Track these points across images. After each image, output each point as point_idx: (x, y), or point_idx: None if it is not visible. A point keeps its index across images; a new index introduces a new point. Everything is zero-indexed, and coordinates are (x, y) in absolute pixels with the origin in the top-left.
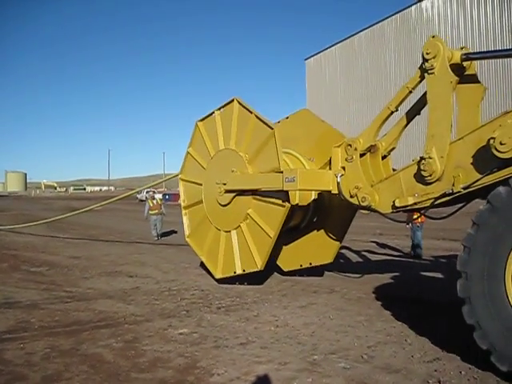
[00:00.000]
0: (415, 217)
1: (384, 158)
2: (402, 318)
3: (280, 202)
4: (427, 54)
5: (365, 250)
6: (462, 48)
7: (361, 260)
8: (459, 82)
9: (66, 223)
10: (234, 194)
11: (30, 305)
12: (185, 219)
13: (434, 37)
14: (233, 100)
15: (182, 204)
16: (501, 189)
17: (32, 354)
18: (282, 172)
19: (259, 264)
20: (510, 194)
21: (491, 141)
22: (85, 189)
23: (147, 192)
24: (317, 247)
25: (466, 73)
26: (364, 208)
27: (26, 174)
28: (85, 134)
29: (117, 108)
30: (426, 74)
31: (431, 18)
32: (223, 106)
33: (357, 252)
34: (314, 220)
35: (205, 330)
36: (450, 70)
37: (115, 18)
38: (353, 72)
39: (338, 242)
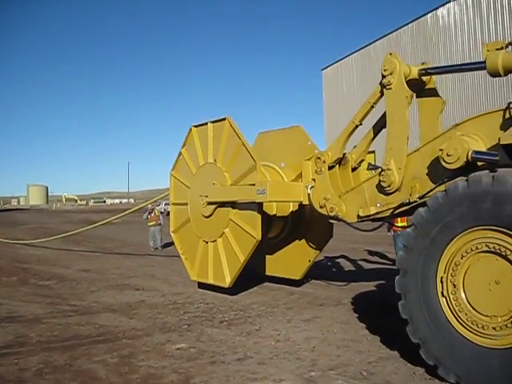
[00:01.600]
0: (399, 225)
1: (354, 169)
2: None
3: (250, 233)
4: (384, 70)
5: (362, 258)
6: (422, 63)
7: (372, 267)
8: (420, 96)
9: (82, 236)
10: (215, 206)
11: (32, 319)
12: (172, 217)
13: (391, 54)
14: (225, 119)
15: (171, 200)
16: (438, 193)
17: (25, 370)
18: (254, 185)
19: (227, 282)
20: (445, 199)
21: (440, 152)
22: (105, 201)
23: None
24: (290, 261)
25: (427, 87)
26: (332, 218)
27: (47, 188)
28: (104, 148)
29: (136, 120)
30: (384, 90)
31: (447, 25)
32: (217, 121)
33: (366, 260)
34: (294, 231)
35: (203, 344)
36: (405, 85)
37: (127, 26)
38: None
39: (309, 260)
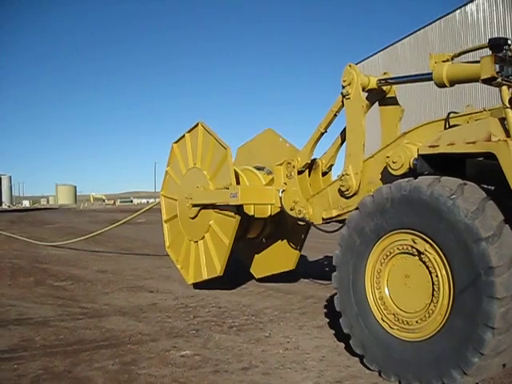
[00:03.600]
0: None
1: (325, 174)
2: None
3: (232, 214)
4: (344, 81)
5: None
6: (384, 73)
7: None
8: (382, 104)
9: (106, 236)
10: (199, 208)
11: (41, 322)
12: (165, 231)
13: (350, 66)
14: (197, 124)
15: (163, 217)
16: (366, 197)
17: (22, 377)
18: (227, 188)
19: (218, 269)
20: (372, 201)
21: (387, 159)
22: (132, 201)
23: None
24: (280, 256)
25: (388, 96)
26: (301, 220)
27: (75, 187)
28: (132, 148)
29: (162, 120)
30: (344, 100)
31: (476, 21)
32: (191, 129)
33: None
34: (276, 232)
35: (209, 352)
36: (362, 95)
37: (154, 24)
38: None
39: (297, 251)
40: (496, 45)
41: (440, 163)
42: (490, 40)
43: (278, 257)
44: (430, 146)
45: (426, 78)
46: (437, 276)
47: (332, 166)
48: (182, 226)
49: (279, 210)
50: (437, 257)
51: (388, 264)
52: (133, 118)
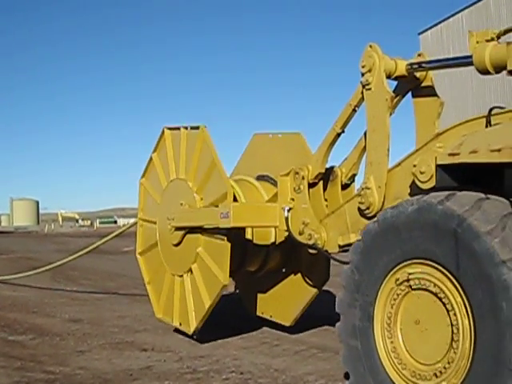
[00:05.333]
0: None
1: (346, 187)
2: None
3: (219, 276)
4: (362, 67)
5: None
6: (418, 55)
7: None
8: (415, 96)
9: (80, 271)
10: (183, 232)
11: None
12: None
13: (371, 46)
14: (198, 127)
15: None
16: (370, 223)
17: None
18: (217, 206)
19: (192, 328)
20: (376, 228)
21: (413, 169)
22: (116, 222)
23: None
24: (280, 301)
25: (423, 84)
26: (312, 247)
27: (37, 203)
28: (116, 153)
29: (153, 122)
30: (363, 90)
31: None
32: (191, 128)
33: None
34: (284, 264)
35: None
36: (386, 85)
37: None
38: None
39: (303, 303)
40: None
41: (468, 174)
42: None
43: (279, 301)
44: (449, 154)
45: (465, 62)
46: (455, 314)
47: (355, 175)
48: (164, 257)
49: (286, 234)
50: (453, 289)
51: (400, 305)
52: (115, 117)
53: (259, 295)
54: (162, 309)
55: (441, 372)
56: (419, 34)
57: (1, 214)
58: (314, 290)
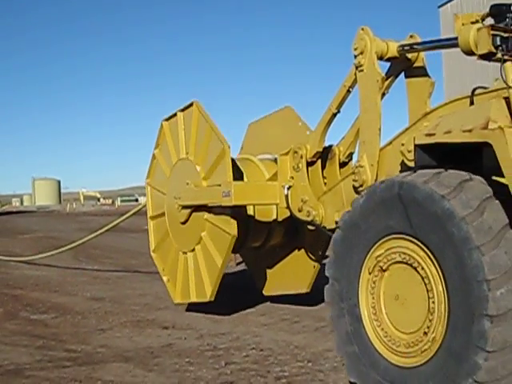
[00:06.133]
0: None
1: (344, 165)
2: None
3: (227, 229)
4: (355, 49)
5: None
6: (410, 36)
7: None
8: (408, 76)
9: (102, 249)
10: (189, 210)
11: (12, 371)
12: (150, 230)
13: (363, 29)
14: (192, 104)
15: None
16: (360, 196)
17: None
18: (219, 185)
19: (208, 294)
20: (365, 200)
21: (401, 147)
22: (137, 200)
23: None
24: (292, 273)
25: (415, 65)
26: (310, 223)
27: (59, 182)
28: (136, 131)
29: (171, 101)
30: (356, 72)
31: None
32: (185, 109)
33: None
34: (289, 240)
35: None
36: (377, 66)
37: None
38: None
39: (313, 269)
40: (498, 13)
41: (448, 153)
42: (491, 7)
43: (290, 274)
44: (426, 135)
45: (451, 43)
46: (432, 292)
47: (352, 154)
48: (171, 231)
49: (287, 211)
50: (432, 267)
51: (383, 276)
52: (136, 95)
53: (268, 271)
54: (167, 274)
55: (423, 335)
56: (439, 7)
57: (23, 194)
58: (318, 264)
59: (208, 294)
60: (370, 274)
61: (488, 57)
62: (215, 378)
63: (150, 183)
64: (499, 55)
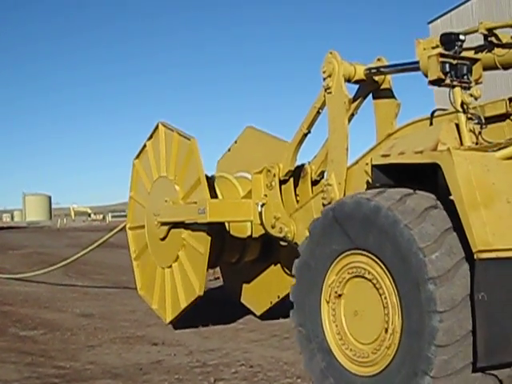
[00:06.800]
0: None
1: (317, 183)
2: None
3: (199, 249)
4: (323, 72)
5: None
6: (378, 59)
7: None
8: (375, 97)
9: (92, 265)
10: (168, 227)
11: None
12: (136, 270)
13: (331, 53)
14: (157, 125)
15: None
16: (316, 219)
17: None
18: (195, 203)
19: (197, 289)
20: (320, 222)
21: (366, 167)
22: None
23: None
24: (257, 290)
25: (381, 87)
26: (283, 240)
27: (50, 198)
28: (128, 144)
29: (167, 113)
30: (325, 94)
31: None
32: (151, 135)
33: None
34: (261, 256)
35: None
36: (344, 89)
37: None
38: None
39: (278, 296)
40: (447, 41)
41: (409, 173)
42: (441, 35)
43: (277, 279)
44: (382, 156)
45: (414, 67)
46: (385, 298)
47: (324, 172)
48: (153, 253)
49: (261, 228)
50: (384, 276)
51: (340, 301)
52: (123, 111)
53: (240, 284)
54: (145, 287)
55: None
56: (429, 22)
57: (14, 210)
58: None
59: (197, 288)
60: (328, 303)
61: (437, 82)
62: None
63: (130, 227)
64: (448, 81)
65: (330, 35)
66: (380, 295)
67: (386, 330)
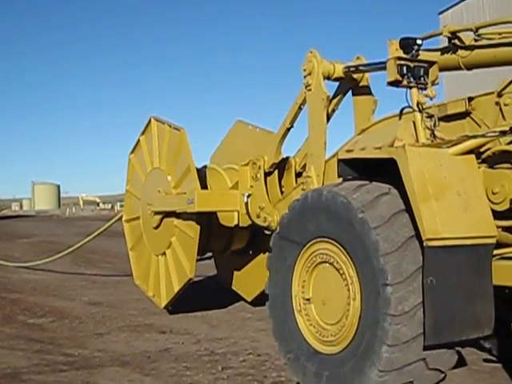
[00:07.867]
0: None
1: (300, 174)
2: None
3: (190, 233)
4: (304, 70)
5: None
6: (357, 58)
7: None
8: (354, 94)
9: (100, 254)
10: (161, 216)
11: (9, 375)
12: (132, 260)
13: (311, 52)
14: (150, 120)
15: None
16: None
17: None
18: (185, 193)
19: (188, 271)
20: (295, 209)
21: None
22: None
23: None
24: (248, 277)
25: (360, 85)
26: (266, 229)
27: (58, 187)
28: (134, 134)
29: (174, 105)
30: (306, 91)
31: None
32: (144, 130)
33: None
34: (249, 245)
35: None
36: (323, 86)
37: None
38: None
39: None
40: (405, 45)
41: (368, 167)
42: (400, 40)
43: (245, 277)
44: (347, 151)
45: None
46: (348, 289)
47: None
48: (147, 241)
49: (248, 217)
50: (344, 258)
51: (312, 274)
52: (131, 100)
53: (231, 271)
54: (141, 276)
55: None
56: (439, 13)
57: (23, 198)
58: None
59: (187, 271)
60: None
61: (395, 84)
62: (212, 382)
63: (126, 219)
64: (405, 82)
65: (337, 27)
66: (341, 275)
67: (348, 305)
